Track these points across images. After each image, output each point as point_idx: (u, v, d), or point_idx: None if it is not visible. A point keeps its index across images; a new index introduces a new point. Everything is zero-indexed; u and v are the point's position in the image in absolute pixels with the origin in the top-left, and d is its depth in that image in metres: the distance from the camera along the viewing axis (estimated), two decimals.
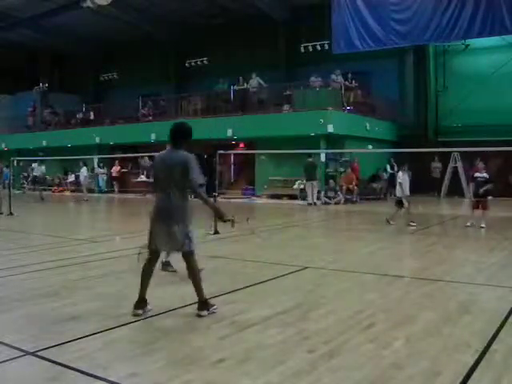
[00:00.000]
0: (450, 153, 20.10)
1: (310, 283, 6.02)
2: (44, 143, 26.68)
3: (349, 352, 3.75)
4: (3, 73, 32.56)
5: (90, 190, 22.94)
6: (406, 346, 3.87)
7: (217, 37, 26.94)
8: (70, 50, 30.90)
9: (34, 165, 23.06)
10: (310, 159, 17.77)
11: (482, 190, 10.87)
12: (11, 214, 14.23)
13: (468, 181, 15.58)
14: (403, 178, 11.46)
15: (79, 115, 28.23)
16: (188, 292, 4.81)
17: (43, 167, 22.94)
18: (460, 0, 17.89)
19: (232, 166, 24.58)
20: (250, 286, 5.83)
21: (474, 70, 21.77)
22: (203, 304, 4.62)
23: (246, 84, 21.90)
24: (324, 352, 3.74)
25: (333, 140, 19.13)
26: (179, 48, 28.98)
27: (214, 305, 4.69)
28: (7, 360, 3.60)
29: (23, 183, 26.79)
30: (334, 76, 20.01)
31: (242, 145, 22.82)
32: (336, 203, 17.95)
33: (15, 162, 21.17)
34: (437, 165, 21.25)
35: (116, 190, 24.61)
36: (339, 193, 18.34)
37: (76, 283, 5.97)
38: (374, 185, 20.46)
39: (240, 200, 19.71)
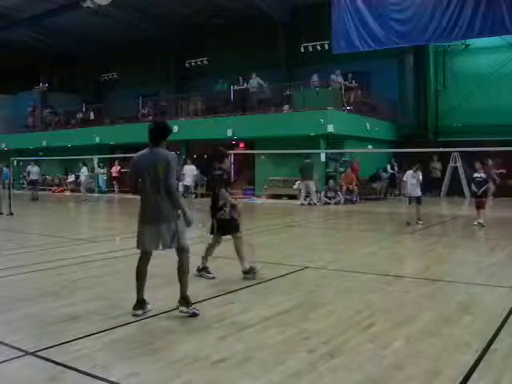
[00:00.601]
0: (450, 153, 20.10)
1: (310, 283, 6.02)
2: (44, 143, 26.70)
3: (349, 352, 3.75)
4: (3, 73, 32.58)
5: (91, 190, 22.87)
6: (406, 346, 3.87)
7: (217, 37, 26.91)
8: (70, 50, 30.83)
9: (28, 167, 22.03)
10: (308, 160, 17.76)
11: (480, 191, 11.03)
12: (11, 214, 14.24)
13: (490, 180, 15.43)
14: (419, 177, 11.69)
15: (79, 115, 28.24)
16: (188, 292, 4.80)
17: (36, 167, 21.43)
18: (460, 0, 17.89)
19: (232, 166, 24.55)
20: (250, 286, 5.83)
21: (473, 70, 21.76)
22: (185, 299, 4.62)
23: (245, 84, 21.87)
24: (324, 352, 3.74)
25: (333, 140, 19.14)
26: (179, 48, 28.93)
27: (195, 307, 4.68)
28: (7, 360, 3.60)
29: (23, 183, 26.77)
30: (334, 76, 20.04)
31: (241, 145, 22.80)
32: (336, 203, 17.94)
33: (15, 161, 21.14)
34: (435, 165, 21.21)
35: (116, 189, 24.58)
36: (339, 193, 18.33)
37: (76, 283, 5.97)
38: (374, 185, 20.46)
39: (240, 200, 19.65)
